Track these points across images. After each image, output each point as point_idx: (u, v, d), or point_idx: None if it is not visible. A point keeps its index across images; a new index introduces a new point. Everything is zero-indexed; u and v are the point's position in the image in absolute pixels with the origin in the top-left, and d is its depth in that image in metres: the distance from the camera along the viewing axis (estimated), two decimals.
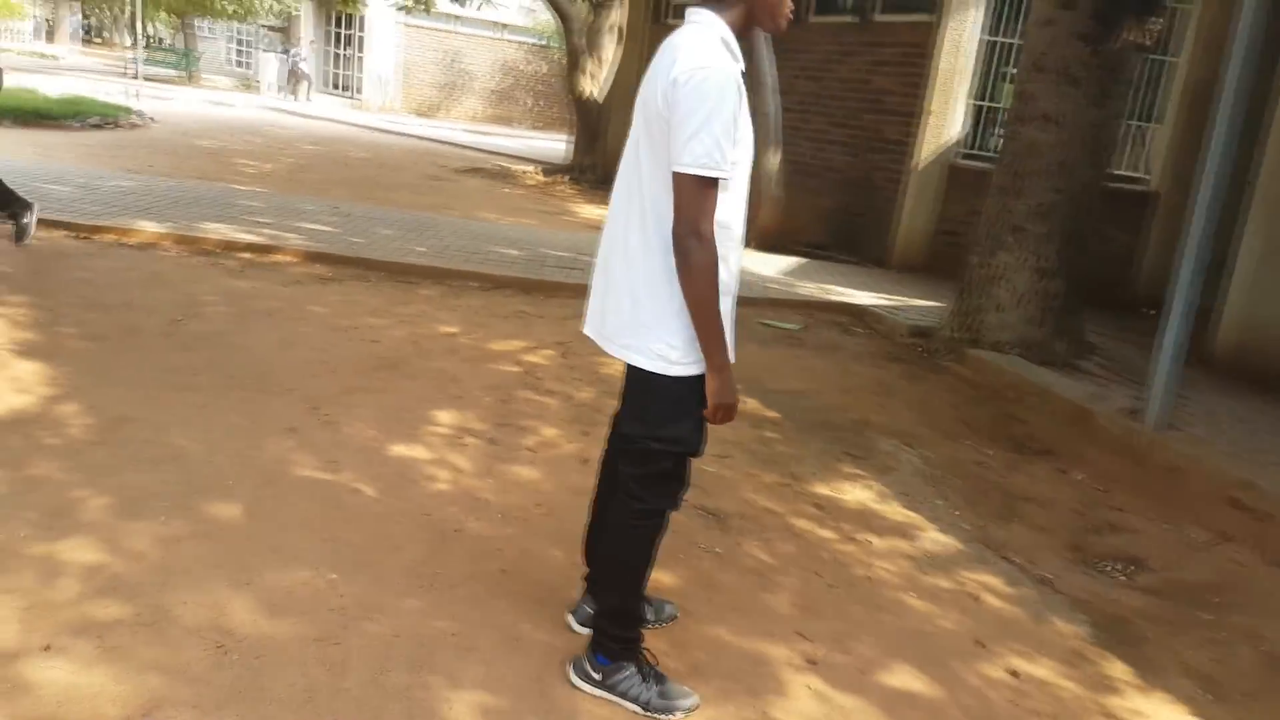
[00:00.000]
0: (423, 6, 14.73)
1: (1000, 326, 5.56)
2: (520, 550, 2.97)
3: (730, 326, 2.19)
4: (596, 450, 3.74)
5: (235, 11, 25.31)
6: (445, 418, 3.96)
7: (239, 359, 4.30)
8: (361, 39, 26.90)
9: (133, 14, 27.04)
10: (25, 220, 5.66)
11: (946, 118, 8.45)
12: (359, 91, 27.20)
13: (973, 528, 3.59)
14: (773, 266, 7.99)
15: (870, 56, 9.35)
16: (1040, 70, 5.41)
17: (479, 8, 16.53)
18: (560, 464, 3.66)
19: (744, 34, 2.12)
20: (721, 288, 2.11)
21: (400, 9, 15.65)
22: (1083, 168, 5.47)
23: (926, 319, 6.34)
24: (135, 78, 23.40)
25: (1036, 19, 5.57)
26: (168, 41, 33.76)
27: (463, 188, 11.93)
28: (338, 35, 27.62)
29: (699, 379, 2.16)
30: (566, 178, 13.65)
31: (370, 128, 19.46)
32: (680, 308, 2.09)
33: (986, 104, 8.72)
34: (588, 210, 11.28)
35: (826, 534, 3.38)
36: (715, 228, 2.04)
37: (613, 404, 4.29)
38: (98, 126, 12.10)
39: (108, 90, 18.17)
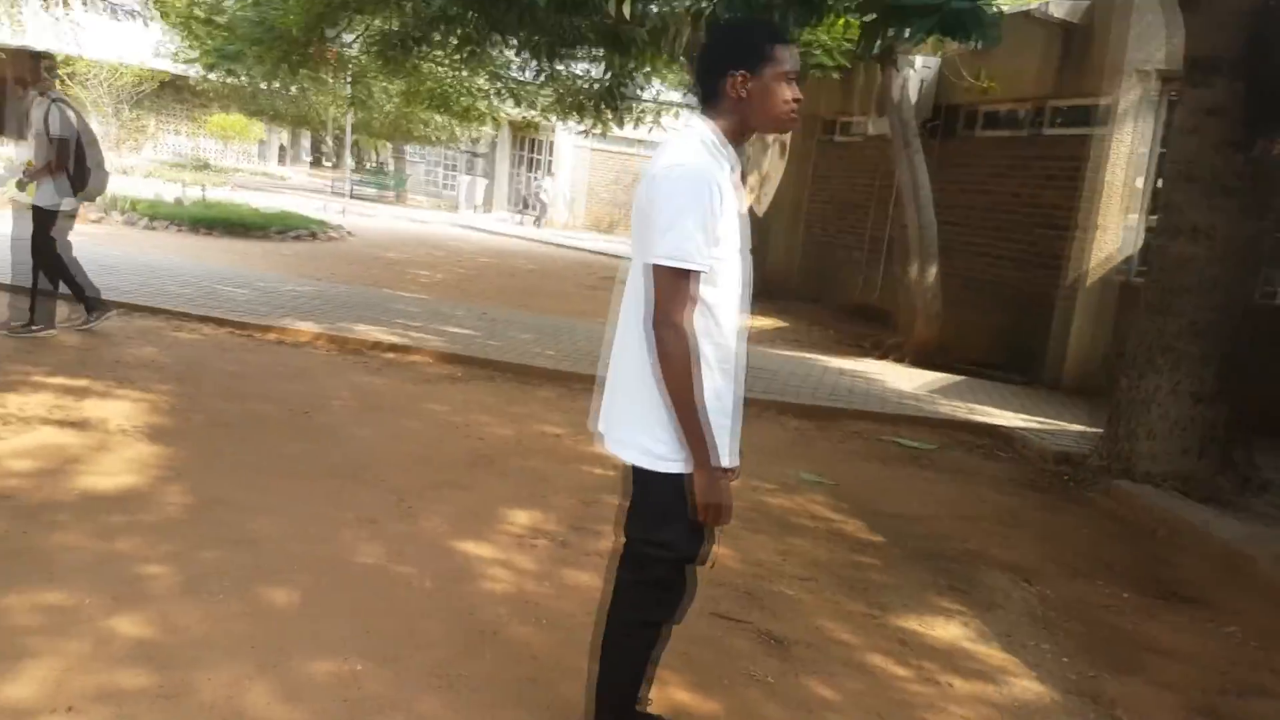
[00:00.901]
0: (599, 131, 15.55)
1: (1153, 456, 5.01)
2: (554, 659, 2.88)
3: (732, 426, 2.14)
4: None
5: (440, 138, 27.79)
6: (523, 517, 3.97)
7: (346, 450, 4.52)
8: (549, 162, 28.81)
9: (352, 141, 30.32)
10: (33, 326, 5.95)
11: (1116, 233, 7.95)
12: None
13: (1080, 678, 3.16)
14: (921, 383, 7.65)
15: (1038, 170, 9.02)
16: (1189, 180, 5.01)
17: (649, 130, 17.32)
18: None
19: (740, 138, 2.12)
20: (708, 382, 2.05)
21: (580, 133, 16.61)
22: (1239, 284, 4.98)
23: (1078, 445, 5.82)
24: (348, 196, 26.06)
25: (1181, 126, 5.21)
26: (384, 164, 37.41)
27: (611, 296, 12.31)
28: (527, 159, 29.72)
29: (690, 478, 2.07)
30: None
31: (548, 243, 20.61)
32: (668, 402, 2.03)
33: None
34: None
35: (902, 672, 3.07)
36: (700, 321, 2.03)
37: None
38: (297, 238, 13.45)
39: (319, 206, 20.31)
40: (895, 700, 2.90)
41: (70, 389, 4.87)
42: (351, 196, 27.24)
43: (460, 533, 3.72)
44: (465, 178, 29.46)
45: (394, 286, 10.09)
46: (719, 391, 2.10)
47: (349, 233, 15.47)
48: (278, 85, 15.07)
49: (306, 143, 42.26)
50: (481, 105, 15.84)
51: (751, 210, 13.86)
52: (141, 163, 25.77)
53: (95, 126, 6.25)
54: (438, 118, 23.58)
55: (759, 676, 2.94)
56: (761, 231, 13.93)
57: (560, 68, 11.91)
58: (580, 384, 6.44)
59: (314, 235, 13.87)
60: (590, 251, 19.48)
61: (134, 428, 4.42)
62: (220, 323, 6.88)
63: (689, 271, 1.98)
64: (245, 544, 3.37)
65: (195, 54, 11.76)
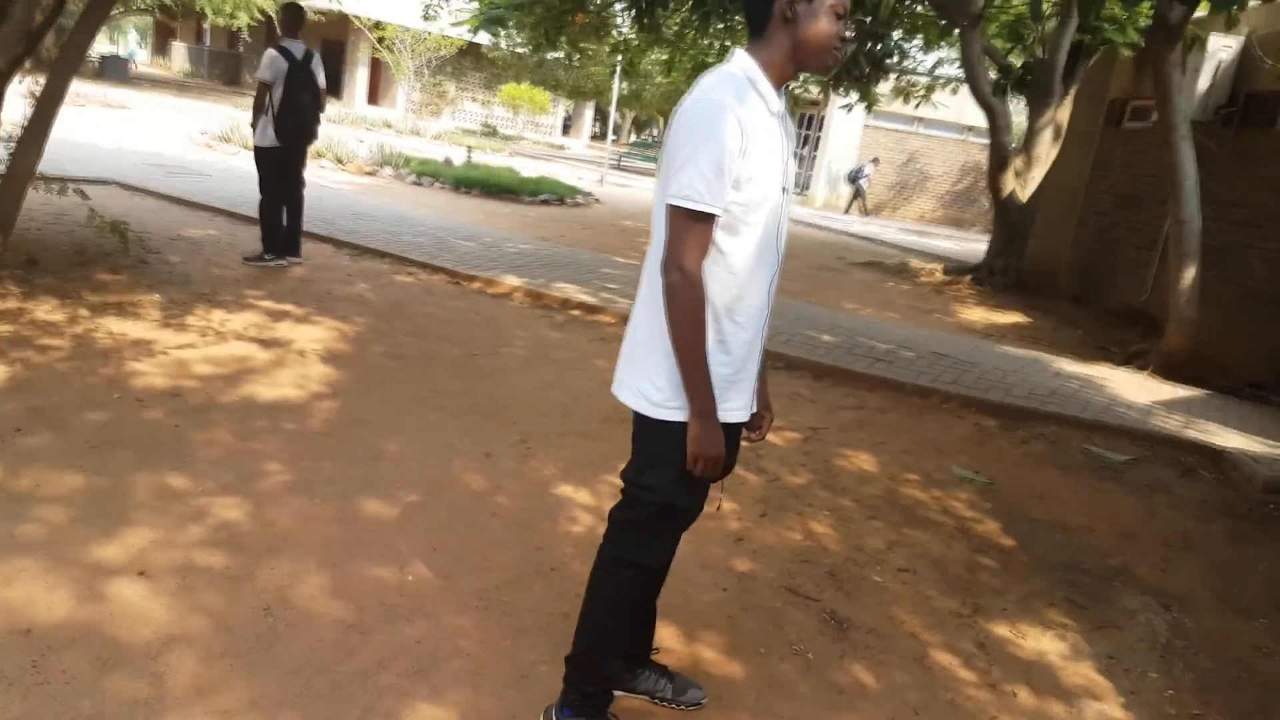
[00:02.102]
0: (865, 105, 15.14)
1: None
2: None
3: (748, 382, 2.15)
4: (761, 532, 3.64)
5: None
6: None
7: (495, 392, 4.86)
8: (818, 139, 28.35)
9: (632, 114, 31.64)
10: (265, 256, 6.76)
11: None
12: (806, 189, 28.59)
13: (1179, 714, 2.78)
14: (1153, 394, 6.85)
15: None
16: None
17: (916, 106, 16.55)
18: (709, 535, 3.57)
19: (788, 74, 2.05)
20: (720, 334, 2.05)
21: (843, 108, 16.22)
22: None
23: None
24: (615, 167, 27.27)
25: None
26: (657, 136, 38.59)
27: (844, 279, 11.98)
28: (798, 136, 29.49)
29: (685, 427, 2.07)
30: (970, 278, 13.01)
31: (802, 222, 20.38)
32: (670, 348, 2.05)
33: None
34: (974, 313, 10.64)
35: (964, 675, 2.87)
36: (713, 267, 2.01)
37: (825, 495, 4.12)
38: (545, 202, 14.31)
39: (581, 176, 21.43)
40: (942, 700, 2.72)
41: (274, 312, 5.61)
42: (619, 168, 28.50)
43: (566, 477, 3.91)
44: None
45: (614, 252, 10.50)
46: (726, 342, 2.07)
47: (597, 200, 16.20)
48: (550, 54, 16.02)
49: (589, 115, 44.43)
50: None
51: (1012, 197, 12.94)
52: (438, 127, 28.42)
53: (320, 77, 6.79)
54: None
55: (800, 652, 2.87)
56: (1023, 220, 12.97)
57: None
58: None
59: (561, 200, 14.68)
60: (845, 234, 19.04)
61: (314, 351, 5.02)
62: (437, 270, 7.55)
63: (701, 214, 1.94)
64: (365, 460, 3.76)
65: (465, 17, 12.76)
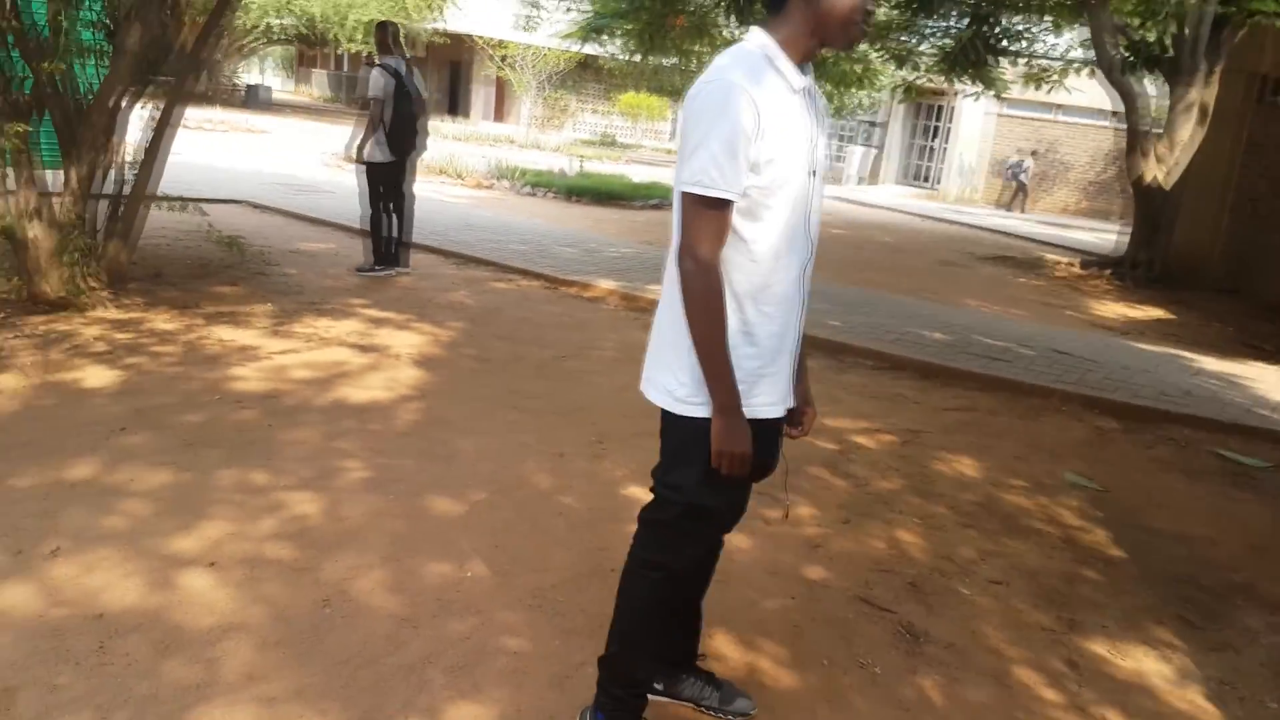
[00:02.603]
0: (993, 93, 14.59)
1: None
2: None
3: (780, 376, 2.06)
4: (840, 539, 3.52)
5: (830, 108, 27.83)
6: None
7: (576, 393, 4.88)
8: (948, 130, 27.43)
9: None
10: (375, 267, 7.06)
11: None
12: (938, 182, 27.69)
13: None
14: None
15: None
16: None
17: (1048, 91, 15.77)
18: (782, 541, 3.47)
19: (805, 50, 1.95)
20: (746, 325, 1.98)
21: (970, 96, 15.68)
22: None
23: None
24: None
25: None
26: None
27: (969, 274, 11.52)
28: (925, 127, 28.57)
29: (709, 423, 2.01)
30: (1108, 272, 12.28)
31: (930, 217, 19.74)
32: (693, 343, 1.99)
33: None
34: (1110, 309, 10.04)
35: (1049, 695, 2.67)
36: (734, 255, 1.94)
37: (917, 501, 3.96)
38: (655, 207, 14.36)
39: None
40: None
41: (376, 319, 5.80)
42: None
43: (637, 479, 3.87)
44: (857, 149, 29.10)
45: None
46: (753, 333, 2.00)
47: None
48: (662, 60, 16.10)
49: None
50: (855, 68, 15.53)
51: (1154, 184, 12.16)
52: (558, 140, 28.97)
53: (422, 90, 7.02)
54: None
55: (867, 665, 2.74)
56: (1167, 209, 12.17)
57: (923, 19, 11.33)
58: (854, 357, 6.23)
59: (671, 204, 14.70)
60: (974, 227, 18.34)
61: (408, 355, 5.16)
62: (536, 276, 7.67)
63: (715, 199, 1.87)
64: (441, 459, 3.83)
65: (571, 30, 13.01)
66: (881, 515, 3.81)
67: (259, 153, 15.80)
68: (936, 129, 28.26)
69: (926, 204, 23.69)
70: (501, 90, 36.17)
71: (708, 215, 1.89)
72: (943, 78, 14.72)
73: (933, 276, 10.76)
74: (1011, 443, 4.88)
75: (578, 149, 25.61)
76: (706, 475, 2.04)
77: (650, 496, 2.23)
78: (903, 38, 14.92)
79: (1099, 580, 3.43)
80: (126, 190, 5.59)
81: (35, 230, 4.95)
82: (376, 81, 6.73)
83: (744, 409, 1.99)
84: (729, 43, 13.74)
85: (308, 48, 37.65)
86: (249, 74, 38.04)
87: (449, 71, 37.61)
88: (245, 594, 2.71)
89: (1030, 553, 3.60)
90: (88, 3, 5.21)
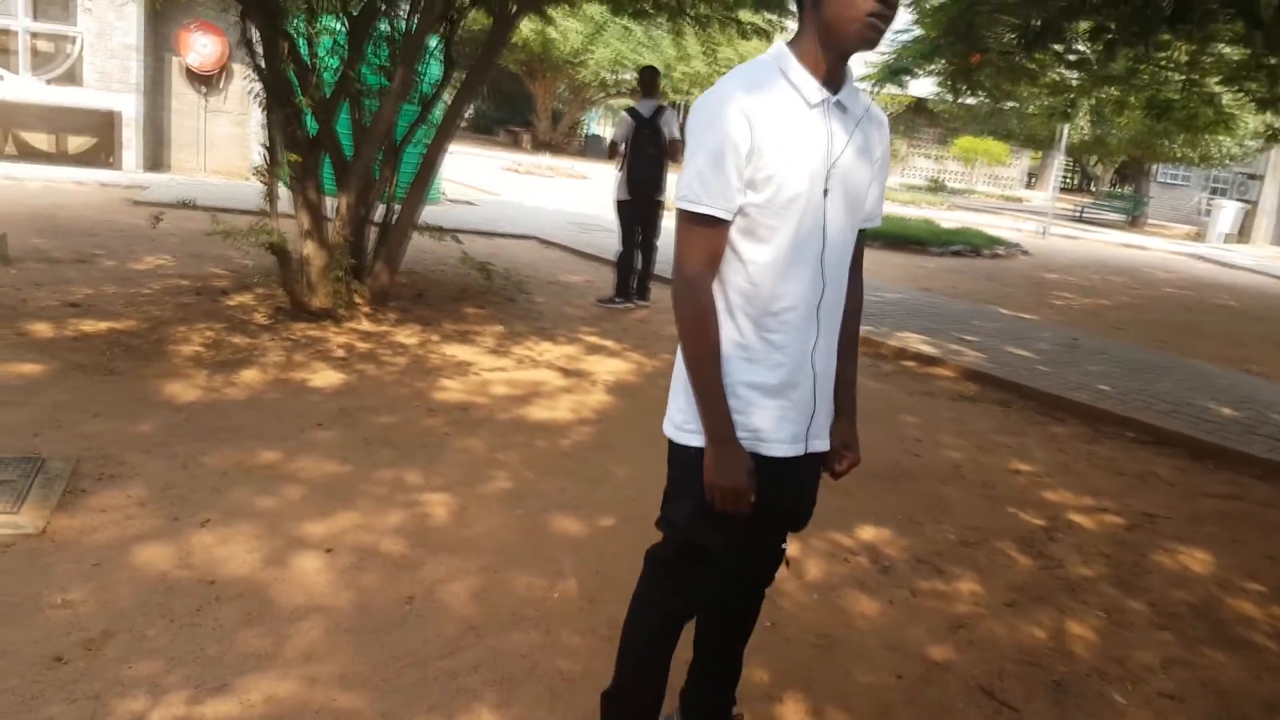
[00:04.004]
0: None
1: None
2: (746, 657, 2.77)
3: (799, 415, 1.92)
4: (993, 621, 3.23)
5: (1187, 155, 24.84)
6: (871, 533, 3.71)
7: None
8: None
9: (1093, 161, 28.99)
10: (615, 299, 7.37)
11: None
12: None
13: None
14: None
15: None
16: None
17: None
18: (922, 613, 3.13)
19: (827, 61, 1.80)
20: (749, 352, 1.86)
21: None
22: None
23: None
24: (1077, 220, 25.13)
25: None
26: (1127, 187, 34.69)
27: None
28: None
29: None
30: None
31: (1238, 267, 17.13)
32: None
33: None
34: None
35: None
36: (736, 279, 1.85)
37: (1112, 593, 3.45)
38: (956, 254, 13.59)
39: (1020, 228, 20.04)
40: None
41: (592, 346, 6.03)
42: (1080, 219, 26.10)
43: None
44: (1228, 203, 25.64)
45: (1007, 304, 9.63)
46: (754, 359, 1.86)
47: (1024, 252, 15.01)
48: (1005, 103, 15.29)
49: (1058, 164, 41.26)
50: (1206, 110, 13.74)
51: None
52: (889, 188, 28.32)
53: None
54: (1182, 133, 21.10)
55: None
56: None
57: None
58: (1115, 427, 5.48)
59: (976, 252, 13.85)
60: None
61: (605, 382, 5.30)
62: None
63: (701, 215, 1.79)
64: (588, 481, 3.89)
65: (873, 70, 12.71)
66: (1058, 602, 3.31)
67: (569, 195, 17.07)
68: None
69: (1229, 254, 20.36)
70: None
71: (694, 231, 1.81)
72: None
73: (1268, 348, 9.20)
74: (1272, 542, 4.05)
75: (898, 194, 24.96)
76: (700, 509, 1.91)
77: None
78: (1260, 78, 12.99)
79: None
80: (393, 219, 6.30)
81: (308, 249, 5.72)
82: (619, 126, 7.18)
83: (745, 441, 1.87)
84: (1061, 83, 12.64)
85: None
86: (595, 125, 41.19)
87: None
88: (342, 580, 2.92)
89: (1232, 668, 2.95)
90: (370, 48, 5.98)
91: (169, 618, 2.62)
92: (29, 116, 11.94)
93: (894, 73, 12.33)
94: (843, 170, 1.84)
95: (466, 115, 5.95)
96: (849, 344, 2.08)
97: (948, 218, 19.50)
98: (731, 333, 1.87)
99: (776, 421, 1.90)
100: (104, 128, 12.11)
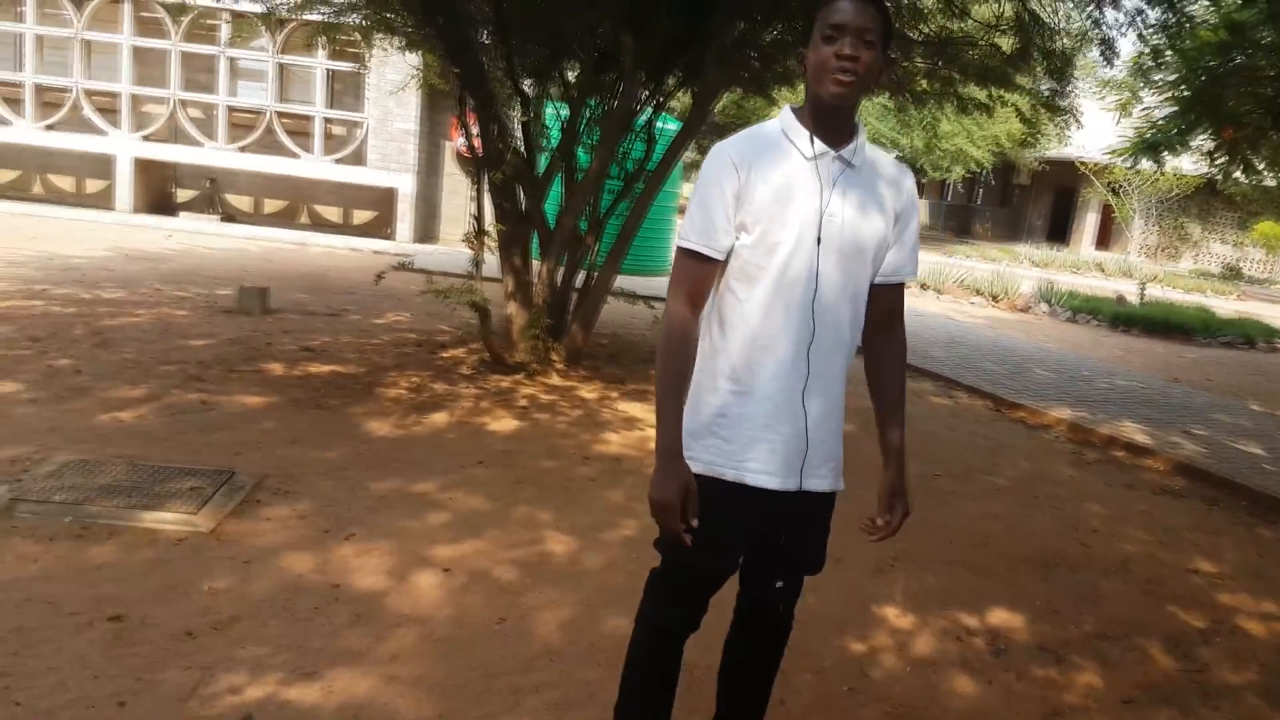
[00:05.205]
0: None
1: None
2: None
3: (789, 450, 2.01)
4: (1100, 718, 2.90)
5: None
6: (1001, 617, 3.53)
7: (922, 511, 4.56)
8: None
9: None
10: None
11: None
12: None
13: None
14: None
15: None
16: None
17: None
18: (1021, 700, 2.95)
19: (819, 117, 1.95)
20: (738, 382, 2.00)
21: None
22: None
23: None
24: None
25: None
26: None
27: None
28: None
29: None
30: None
31: None
32: (698, 397, 2.06)
33: None
34: None
35: None
36: (728, 312, 2.01)
37: (1254, 702, 3.17)
38: (1225, 344, 12.26)
39: None
40: None
41: None
42: None
43: (909, 602, 3.58)
44: None
45: (1264, 401, 8.59)
46: (740, 383, 1.99)
47: None
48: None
49: None
50: None
51: None
52: (1174, 270, 26.00)
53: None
54: None
55: None
56: None
57: None
58: None
59: (1250, 343, 12.43)
60: None
61: None
62: (983, 395, 7.25)
63: (690, 251, 1.98)
64: None
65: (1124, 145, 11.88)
66: (1186, 705, 3.02)
67: None
68: None
69: None
70: (1108, 216, 34.02)
71: (683, 264, 2.00)
72: None
73: None
74: None
75: (1187, 281, 22.83)
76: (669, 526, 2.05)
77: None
78: None
79: None
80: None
81: (511, 308, 6.27)
82: None
83: (731, 469, 1.99)
84: None
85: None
86: None
87: (1053, 197, 36.49)
88: (449, 597, 3.21)
89: None
90: (584, 128, 6.53)
91: (291, 612, 3.01)
92: (321, 191, 13.88)
93: (1147, 148, 11.56)
94: (838, 221, 1.94)
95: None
96: (891, 397, 2.18)
97: (1232, 307, 17.64)
98: (725, 364, 2.01)
99: (765, 454, 2.00)
100: (384, 202, 13.81)
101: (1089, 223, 34.70)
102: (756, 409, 1.99)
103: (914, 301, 13.50)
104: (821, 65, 1.86)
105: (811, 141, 1.93)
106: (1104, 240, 34.56)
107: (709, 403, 2.02)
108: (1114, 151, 12.71)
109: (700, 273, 1.98)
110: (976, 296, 14.56)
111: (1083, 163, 28.54)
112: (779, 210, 1.92)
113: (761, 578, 2.20)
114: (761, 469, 1.99)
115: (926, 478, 5.15)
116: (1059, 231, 35.60)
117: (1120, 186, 28.05)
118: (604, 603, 3.29)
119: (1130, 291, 15.57)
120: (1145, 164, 13.03)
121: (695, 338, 2.02)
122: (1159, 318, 12.85)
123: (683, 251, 1.98)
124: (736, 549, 2.11)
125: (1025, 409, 6.88)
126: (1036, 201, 36.94)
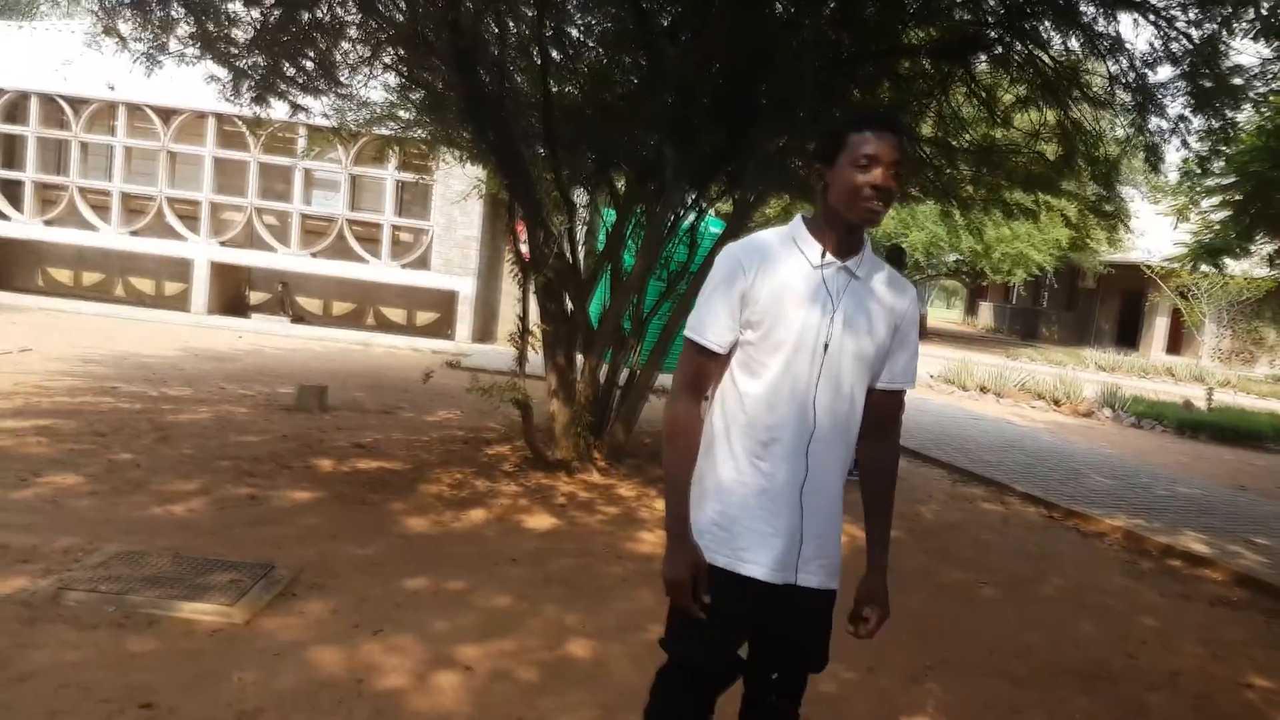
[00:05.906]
0: None
1: None
2: None
3: (788, 546, 2.06)
4: None
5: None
6: None
7: (962, 619, 4.50)
8: None
9: None
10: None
11: None
12: None
13: None
14: None
15: None
16: None
17: None
18: None
19: (834, 233, 2.06)
20: (739, 470, 2.06)
21: None
22: None
23: None
24: None
25: None
26: None
27: None
28: None
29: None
30: None
31: None
32: (699, 483, 2.12)
33: None
34: None
35: None
36: (731, 406, 2.08)
37: None
38: None
39: None
40: None
41: None
42: None
43: (940, 714, 3.49)
44: None
45: None
46: (741, 471, 2.05)
47: None
48: None
49: None
50: None
51: None
52: (1244, 376, 25.26)
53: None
54: None
55: None
56: None
57: None
58: None
59: None
60: None
61: None
62: (1035, 501, 7.09)
63: (694, 344, 2.08)
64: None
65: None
66: None
67: None
68: None
69: None
70: (1178, 321, 33.33)
71: (687, 355, 2.11)
72: None
73: None
74: None
75: (1261, 385, 22.14)
76: (672, 615, 2.15)
77: None
78: None
79: None
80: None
81: (554, 406, 6.39)
82: None
83: (726, 558, 2.04)
84: None
85: (976, 280, 39.34)
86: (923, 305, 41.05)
87: (1120, 301, 35.92)
88: (468, 696, 3.23)
89: None
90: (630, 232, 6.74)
91: (314, 706, 3.06)
92: (387, 294, 14.38)
93: (1206, 253, 11.39)
94: (842, 327, 2.03)
95: None
96: (879, 501, 2.21)
97: None
98: (726, 454, 2.07)
99: (760, 545, 2.04)
100: (446, 304, 14.24)
101: (1159, 327, 33.99)
102: (755, 502, 2.04)
103: (973, 405, 13.33)
104: (853, 191, 1.97)
105: (822, 253, 2.04)
106: (1175, 345, 33.77)
107: (708, 490, 2.09)
108: (1173, 257, 12.58)
109: (704, 365, 2.08)
110: (1038, 400, 14.31)
111: (1148, 266, 28.19)
112: (783, 312, 2.01)
113: (757, 670, 2.21)
114: (755, 560, 2.04)
115: (971, 586, 5.04)
116: (1128, 336, 34.91)
117: (1189, 290, 27.55)
118: (623, 706, 3.26)
119: (1199, 397, 15.16)
120: (1206, 268, 12.89)
121: (698, 422, 2.10)
122: (1228, 424, 12.47)
123: (688, 342, 2.09)
124: (732, 638, 2.13)
125: (1079, 515, 6.70)
126: (1104, 305, 36.37)
